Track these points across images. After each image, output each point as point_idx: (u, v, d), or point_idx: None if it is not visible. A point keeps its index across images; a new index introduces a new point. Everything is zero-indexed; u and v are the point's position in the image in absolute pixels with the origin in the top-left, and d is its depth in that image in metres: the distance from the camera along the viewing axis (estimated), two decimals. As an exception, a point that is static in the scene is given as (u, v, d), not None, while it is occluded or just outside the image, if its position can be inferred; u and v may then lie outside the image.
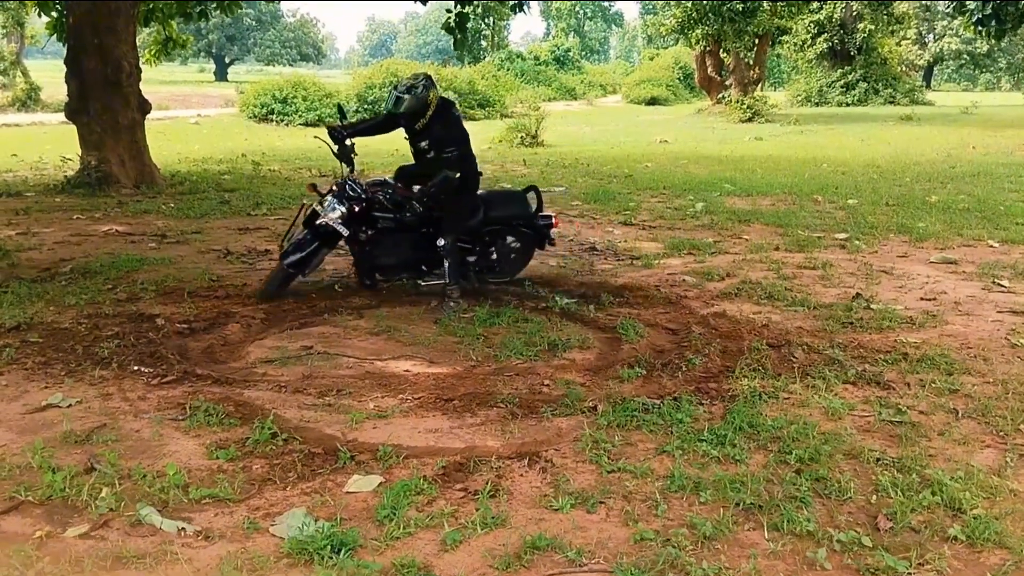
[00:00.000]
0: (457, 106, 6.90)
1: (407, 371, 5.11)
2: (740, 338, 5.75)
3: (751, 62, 34.58)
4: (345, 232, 6.37)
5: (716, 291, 7.02)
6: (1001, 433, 4.23)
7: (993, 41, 19.95)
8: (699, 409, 4.48)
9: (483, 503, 3.45)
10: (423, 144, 6.50)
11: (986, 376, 5.04)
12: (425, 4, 11.18)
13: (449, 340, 5.71)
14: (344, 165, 6.48)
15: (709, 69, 35.82)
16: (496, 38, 63.70)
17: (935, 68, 75.22)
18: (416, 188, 6.58)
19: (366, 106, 33.11)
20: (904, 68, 52.89)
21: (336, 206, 6.37)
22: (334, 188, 6.45)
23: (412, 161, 6.81)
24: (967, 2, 17.36)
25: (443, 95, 6.62)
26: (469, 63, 51.33)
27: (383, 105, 6.69)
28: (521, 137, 21.51)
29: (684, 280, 7.39)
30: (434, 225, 6.59)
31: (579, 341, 5.68)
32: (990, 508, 3.47)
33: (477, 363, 5.26)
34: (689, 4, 31.61)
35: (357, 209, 6.40)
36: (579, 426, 4.27)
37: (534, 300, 6.71)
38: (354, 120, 6.72)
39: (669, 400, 4.57)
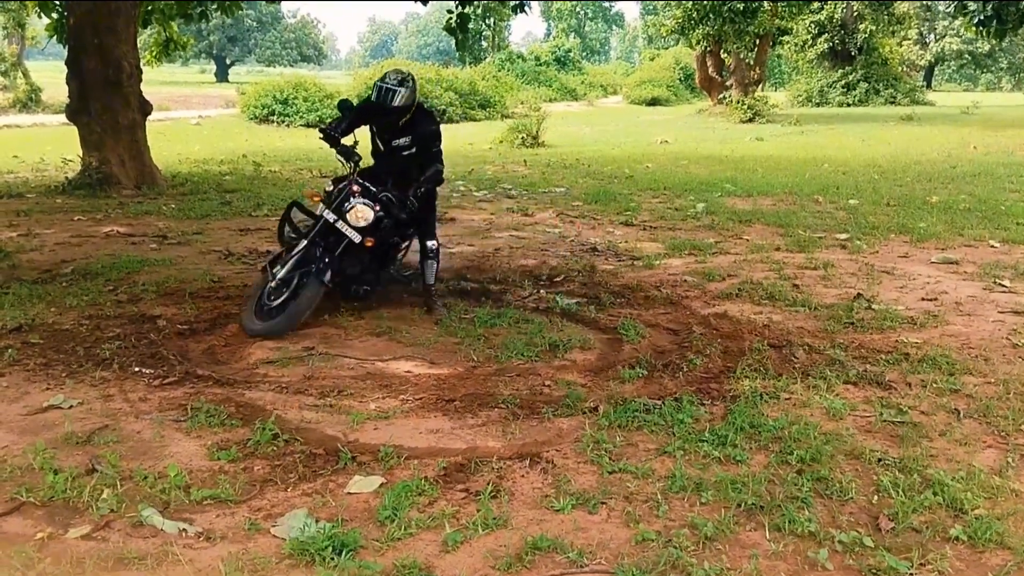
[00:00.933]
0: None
1: (408, 372, 5.11)
2: (741, 338, 5.75)
3: (752, 62, 34.56)
4: (358, 239, 5.97)
5: (717, 291, 7.02)
6: (1002, 433, 4.23)
7: (994, 41, 19.94)
8: (700, 410, 4.48)
9: (484, 504, 3.45)
10: (403, 141, 6.28)
11: (987, 376, 5.03)
12: (426, 4, 11.17)
13: (450, 341, 5.71)
14: (349, 163, 6.17)
15: (710, 69, 35.81)
16: (497, 39, 63.72)
17: (936, 68, 75.22)
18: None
19: (367, 107, 33.02)
20: (905, 68, 52.90)
21: (372, 207, 5.95)
22: (355, 188, 6.04)
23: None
24: (968, 2, 17.38)
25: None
26: (470, 64, 51.36)
27: (365, 98, 6.27)
28: (522, 138, 21.51)
29: (685, 280, 7.39)
30: (410, 226, 6.43)
31: (580, 342, 5.68)
32: (992, 508, 3.47)
33: (478, 364, 5.26)
34: (690, 4, 31.58)
35: (379, 210, 6.08)
36: (580, 427, 4.27)
37: (535, 300, 6.71)
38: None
39: (670, 401, 4.57)
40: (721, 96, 35.23)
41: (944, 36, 67.51)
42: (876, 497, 3.56)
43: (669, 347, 5.63)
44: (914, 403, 4.61)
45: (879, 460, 3.89)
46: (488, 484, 3.63)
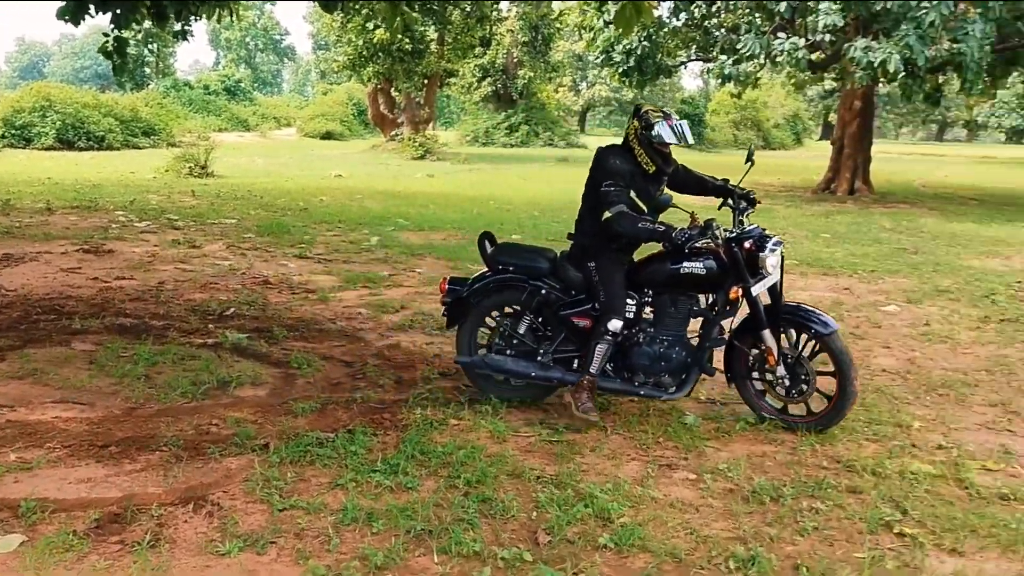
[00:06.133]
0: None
1: (56, 417, 4.69)
2: (414, 368, 5.88)
3: (422, 101, 35.62)
4: None
5: (391, 323, 7.13)
6: (643, 446, 4.64)
7: (637, 90, 22.12)
8: (373, 440, 4.52)
9: (142, 555, 3.25)
10: (662, 188, 5.13)
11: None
12: (77, 26, 10.42)
13: (107, 382, 5.33)
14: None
15: (381, 106, 36.44)
16: (161, 65, 60.85)
17: (588, 113, 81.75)
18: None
19: (14, 131, 30.30)
20: (561, 113, 56.99)
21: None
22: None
23: None
24: (614, 55, 19.18)
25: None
26: (132, 89, 48.52)
27: (660, 137, 4.75)
28: (190, 167, 20.60)
29: (359, 313, 7.43)
30: None
31: (251, 377, 5.53)
32: (635, 516, 3.79)
33: (138, 405, 4.95)
34: (360, 42, 32.00)
35: None
36: (249, 465, 4.15)
37: (203, 336, 6.44)
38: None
39: (343, 433, 4.57)
40: (394, 133, 35.92)
41: (595, 84, 73.59)
42: (535, 513, 3.77)
43: (343, 379, 5.63)
44: (569, 423, 4.91)
45: (538, 478, 4.13)
46: (147, 533, 3.42)
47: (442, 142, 35.62)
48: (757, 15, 18.50)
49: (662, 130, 4.73)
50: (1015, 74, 23.34)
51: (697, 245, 4.64)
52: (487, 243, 5.32)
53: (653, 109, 4.89)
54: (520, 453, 4.46)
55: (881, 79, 16.70)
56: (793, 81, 26.43)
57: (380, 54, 32.35)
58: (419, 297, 8.14)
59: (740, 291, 4.76)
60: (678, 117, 4.86)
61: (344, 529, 3.57)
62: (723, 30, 20.43)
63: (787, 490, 4.09)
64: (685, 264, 4.80)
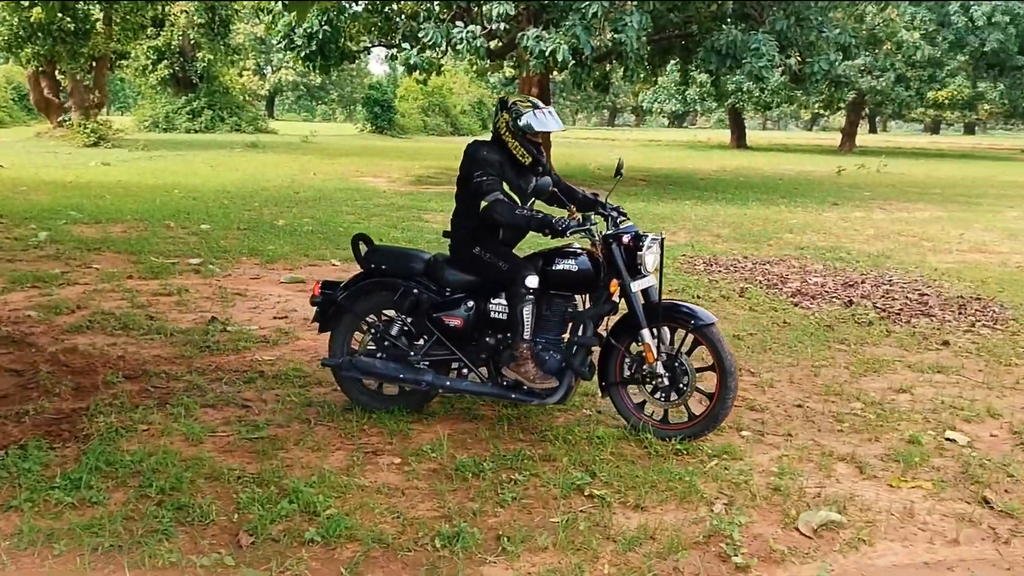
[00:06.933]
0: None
1: None
2: (95, 373, 5.47)
3: (91, 85, 33.09)
4: None
5: (66, 325, 6.58)
6: (348, 435, 4.62)
7: (323, 75, 21.85)
8: (50, 454, 4.16)
9: None
10: (537, 181, 4.95)
11: (333, 385, 5.38)
12: None
13: None
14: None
15: (45, 90, 33.48)
16: None
17: (277, 98, 79.96)
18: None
19: None
20: (248, 97, 55.17)
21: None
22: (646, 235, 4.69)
23: None
24: (295, 39, 18.78)
25: None
26: None
27: (529, 124, 4.65)
28: None
29: (29, 316, 6.79)
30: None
31: None
32: (342, 506, 3.77)
33: None
34: (15, 21, 29.03)
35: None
36: (-102, 497, 3.67)
37: None
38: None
39: (15, 449, 4.17)
40: (61, 119, 33.11)
41: (280, 68, 72.01)
42: (237, 515, 3.64)
43: (12, 390, 5.14)
44: (271, 418, 4.81)
45: (238, 478, 3.99)
46: None
47: (117, 128, 33.26)
48: (436, 2, 18.86)
49: (531, 119, 4.66)
50: (672, 62, 25.52)
51: (577, 232, 4.60)
52: (361, 244, 5.05)
53: (520, 100, 4.81)
54: (218, 454, 4.28)
55: (553, 68, 17.62)
56: (475, 68, 27.27)
57: (39, 34, 29.56)
58: (98, 295, 7.57)
59: (618, 286, 4.65)
60: (544, 105, 4.80)
61: (20, 555, 3.26)
62: (404, 17, 20.62)
63: (488, 464, 4.25)
64: (558, 261, 4.72)
